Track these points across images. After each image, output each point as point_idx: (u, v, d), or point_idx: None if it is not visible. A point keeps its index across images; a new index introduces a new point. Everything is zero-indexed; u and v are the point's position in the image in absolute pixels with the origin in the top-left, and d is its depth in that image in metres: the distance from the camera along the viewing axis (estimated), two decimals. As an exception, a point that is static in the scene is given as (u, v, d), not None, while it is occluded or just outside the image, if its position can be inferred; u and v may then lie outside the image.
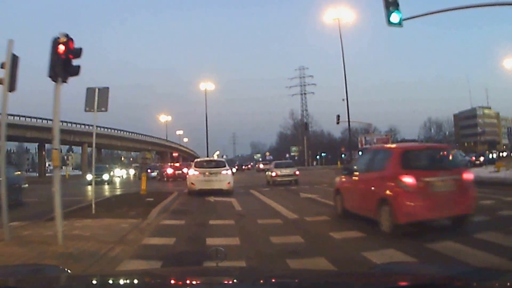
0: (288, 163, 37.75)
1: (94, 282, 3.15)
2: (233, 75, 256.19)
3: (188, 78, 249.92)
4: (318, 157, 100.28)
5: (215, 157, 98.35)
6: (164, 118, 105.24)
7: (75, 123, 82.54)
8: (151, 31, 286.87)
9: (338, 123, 62.43)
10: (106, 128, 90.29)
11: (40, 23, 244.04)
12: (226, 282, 3.15)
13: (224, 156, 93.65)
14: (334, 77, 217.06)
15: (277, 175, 33.28)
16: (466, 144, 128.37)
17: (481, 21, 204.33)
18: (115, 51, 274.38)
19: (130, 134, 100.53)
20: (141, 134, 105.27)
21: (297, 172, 34.25)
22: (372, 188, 11.16)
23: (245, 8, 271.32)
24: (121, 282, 3.24)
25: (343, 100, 48.92)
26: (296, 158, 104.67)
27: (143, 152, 27.15)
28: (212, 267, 3.62)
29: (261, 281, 3.20)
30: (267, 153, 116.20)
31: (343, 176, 13.87)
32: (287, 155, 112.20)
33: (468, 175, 10.47)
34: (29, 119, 74.63)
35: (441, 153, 11.73)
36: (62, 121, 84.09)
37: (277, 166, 34.95)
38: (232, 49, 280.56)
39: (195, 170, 23.39)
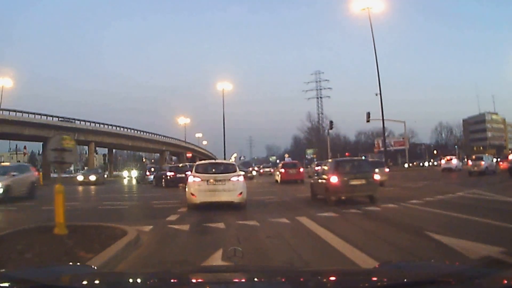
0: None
1: (124, 279, 3.01)
2: (249, 80, 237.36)
3: (207, 81, 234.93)
4: None
5: (233, 159, 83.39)
6: (183, 120, 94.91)
7: (79, 119, 66.05)
8: (173, 33, 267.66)
9: (368, 121, 56.63)
10: (114, 126, 73.88)
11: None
12: (243, 281, 2.90)
13: (242, 158, 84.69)
14: (350, 80, 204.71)
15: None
16: (475, 148, 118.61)
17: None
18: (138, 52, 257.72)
19: (142, 133, 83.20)
20: (154, 134, 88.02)
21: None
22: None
23: (261, 11, 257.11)
24: (148, 279, 2.99)
25: (376, 94, 46.75)
26: (314, 160, 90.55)
27: (56, 136, 10.13)
28: (230, 266, 3.68)
29: (274, 280, 2.95)
30: (287, 155, 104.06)
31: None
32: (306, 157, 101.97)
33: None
34: (27, 114, 58.66)
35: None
36: (64, 117, 64.91)
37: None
38: (249, 53, 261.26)
39: (196, 177, 15.28)
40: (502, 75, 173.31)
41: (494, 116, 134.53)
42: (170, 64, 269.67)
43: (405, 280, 2.56)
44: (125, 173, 59.94)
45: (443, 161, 49.00)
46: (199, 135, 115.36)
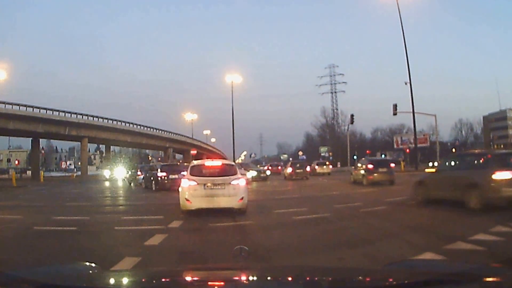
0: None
1: (129, 278, 2.97)
2: (259, 76, 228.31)
3: (216, 77, 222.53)
4: (355, 157, 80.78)
5: (242, 157, 75.41)
6: (190, 116, 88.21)
7: (70, 112, 58.61)
8: (179, 26, 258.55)
9: (395, 114, 51.01)
10: (110, 119, 66.36)
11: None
12: (249, 280, 2.91)
13: (253, 155, 78.50)
14: (365, 76, 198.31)
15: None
16: (496, 146, 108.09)
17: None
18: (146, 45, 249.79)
19: (142, 128, 75.35)
20: (157, 129, 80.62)
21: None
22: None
23: (271, 3, 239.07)
24: (147, 279, 2.96)
25: (405, 83, 44.65)
26: (331, 158, 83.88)
27: None
28: (236, 265, 3.45)
29: (281, 279, 2.96)
30: (300, 152, 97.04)
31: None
32: (321, 155, 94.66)
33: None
34: (11, 106, 51.57)
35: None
36: (54, 109, 55.78)
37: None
38: (259, 47, 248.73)
39: (192, 180, 13.58)
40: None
41: None
42: (176, 60, 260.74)
43: (414, 279, 2.50)
44: (106, 173, 48.74)
45: None
46: (207, 132, 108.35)
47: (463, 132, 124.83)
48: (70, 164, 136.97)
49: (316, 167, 49.36)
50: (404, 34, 41.48)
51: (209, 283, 2.76)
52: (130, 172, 40.95)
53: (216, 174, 13.97)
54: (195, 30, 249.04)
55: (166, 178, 26.90)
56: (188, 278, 2.99)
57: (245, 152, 77.12)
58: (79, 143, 68.43)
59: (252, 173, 36.07)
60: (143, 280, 2.94)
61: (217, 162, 15.47)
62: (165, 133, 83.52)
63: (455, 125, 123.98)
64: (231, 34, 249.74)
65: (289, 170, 39.90)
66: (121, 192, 29.19)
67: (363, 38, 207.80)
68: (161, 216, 13.26)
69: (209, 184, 13.45)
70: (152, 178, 28.35)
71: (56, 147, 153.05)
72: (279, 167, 58.11)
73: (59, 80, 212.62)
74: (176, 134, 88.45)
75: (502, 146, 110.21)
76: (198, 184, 13.46)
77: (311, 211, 13.72)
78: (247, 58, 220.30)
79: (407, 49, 40.19)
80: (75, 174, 73.34)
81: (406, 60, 40.48)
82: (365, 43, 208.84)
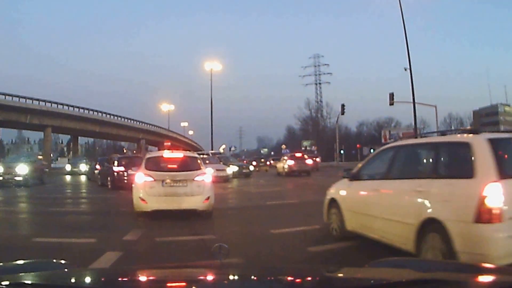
0: None
1: (97, 277, 2.85)
2: (240, 68, 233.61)
3: (195, 69, 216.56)
4: (342, 151, 79.05)
5: (220, 150, 71.84)
6: (166, 107, 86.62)
7: (32, 98, 54.19)
8: (157, 14, 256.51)
9: (392, 104, 46.69)
10: (77, 107, 62.09)
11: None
12: (230, 278, 2.86)
13: (233, 148, 75.53)
14: (350, 66, 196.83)
15: None
16: None
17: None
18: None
19: (112, 117, 71.30)
20: (129, 119, 76.65)
21: None
22: None
23: None
24: (124, 277, 2.88)
25: (405, 69, 39.34)
26: (316, 152, 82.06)
27: None
28: (215, 263, 3.09)
29: (262, 279, 2.89)
30: (284, 146, 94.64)
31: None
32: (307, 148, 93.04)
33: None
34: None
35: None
36: (13, 95, 49.58)
37: None
38: (240, 37, 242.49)
39: (147, 175, 11.74)
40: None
41: (507, 108, 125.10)
42: (154, 49, 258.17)
43: (401, 279, 2.52)
44: (67, 167, 44.24)
45: None
46: (184, 124, 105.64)
47: (453, 126, 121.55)
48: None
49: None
50: (404, 19, 38.36)
51: (187, 281, 2.68)
52: (90, 166, 36.05)
53: (177, 169, 12.46)
54: (172, 17, 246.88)
55: (123, 173, 21.86)
56: (163, 277, 2.91)
57: (224, 146, 75.12)
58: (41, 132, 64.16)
59: (232, 169, 32.69)
60: (118, 278, 2.84)
61: (178, 154, 13.56)
62: (138, 123, 79.99)
63: (444, 119, 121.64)
64: (211, 22, 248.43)
65: (290, 162, 36.24)
66: (68, 191, 25.35)
67: (351, 29, 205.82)
68: (93, 240, 8.67)
69: (168, 181, 11.80)
70: (107, 173, 23.97)
71: (28, 138, 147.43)
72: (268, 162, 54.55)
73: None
74: (150, 124, 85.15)
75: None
76: (155, 180, 11.77)
77: (313, 222, 10.25)
78: (228, 48, 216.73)
79: (406, 33, 37.26)
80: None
81: (406, 45, 37.32)
82: (353, 34, 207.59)
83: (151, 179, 11.71)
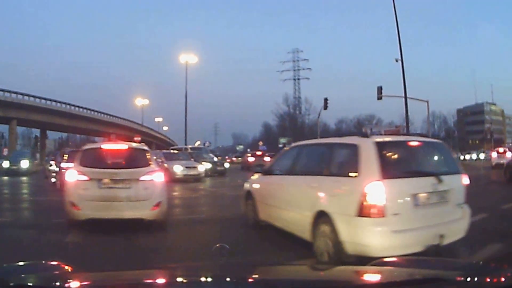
0: None
1: (99, 280, 2.92)
2: (216, 63, 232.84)
3: (170, 63, 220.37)
4: None
5: (195, 145, 68.62)
6: (140, 101, 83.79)
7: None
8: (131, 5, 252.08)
9: (380, 98, 44.71)
10: (44, 99, 59.04)
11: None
12: (232, 278, 2.92)
13: (207, 144, 72.92)
14: (331, 63, 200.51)
15: None
16: (470, 141, 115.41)
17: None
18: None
19: (82, 110, 68.66)
20: (99, 112, 74.14)
21: None
22: None
23: None
24: (126, 280, 2.96)
25: (396, 60, 37.40)
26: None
27: None
28: (217, 264, 3.42)
29: (264, 278, 2.98)
30: (260, 143, 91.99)
31: None
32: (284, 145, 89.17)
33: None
34: None
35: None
36: None
37: None
38: (216, 31, 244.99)
39: (81, 173, 9.35)
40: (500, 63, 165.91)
41: (493, 107, 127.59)
42: (128, 42, 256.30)
43: (404, 278, 2.59)
44: (4, 164, 37.51)
45: (494, 154, 39.15)
46: (159, 119, 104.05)
47: (435, 125, 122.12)
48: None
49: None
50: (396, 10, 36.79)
51: (187, 281, 2.79)
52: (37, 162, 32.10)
53: (119, 165, 9.87)
54: (148, 10, 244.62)
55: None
56: (164, 278, 2.96)
57: (198, 142, 73.78)
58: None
59: (205, 166, 29.10)
60: (120, 280, 2.89)
61: (121, 146, 10.77)
62: (109, 117, 77.53)
63: (427, 117, 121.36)
64: (188, 16, 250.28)
65: (251, 159, 38.45)
66: (6, 191, 21.60)
67: (332, 25, 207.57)
68: None
69: (106, 181, 9.28)
70: (56, 171, 21.26)
71: (3, 134, 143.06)
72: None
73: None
74: (121, 118, 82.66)
75: (477, 142, 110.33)
76: (89, 179, 9.28)
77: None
78: (204, 43, 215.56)
79: (398, 24, 35.83)
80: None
81: (397, 36, 36.19)
82: (334, 30, 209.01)
83: (85, 178, 9.30)
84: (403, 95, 36.99)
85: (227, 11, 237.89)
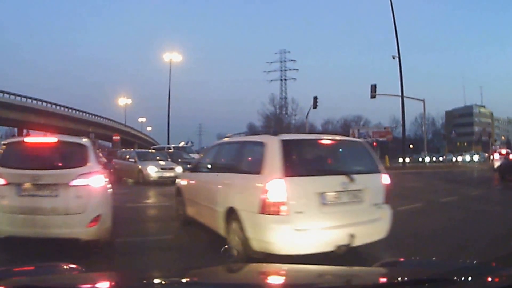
0: None
1: (108, 281, 2.85)
2: (201, 63, 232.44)
3: (154, 62, 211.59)
4: None
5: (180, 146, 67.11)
6: (123, 101, 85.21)
7: None
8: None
9: (374, 96, 45.65)
10: (19, 96, 57.58)
11: None
12: (240, 280, 3.02)
13: (189, 143, 70.99)
14: (317, 62, 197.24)
15: None
16: (458, 143, 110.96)
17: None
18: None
19: (59, 108, 66.82)
20: (77, 110, 72.37)
21: None
22: None
23: None
24: (135, 281, 2.98)
25: (393, 58, 41.11)
26: None
27: None
28: (223, 266, 3.42)
29: (272, 279, 3.05)
30: None
31: None
32: None
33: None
34: None
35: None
36: None
37: None
38: (201, 29, 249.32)
39: None
40: (490, 65, 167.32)
41: (482, 109, 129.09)
42: (112, 39, 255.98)
43: (408, 278, 2.63)
44: None
45: (496, 156, 37.76)
46: (142, 119, 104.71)
47: (423, 127, 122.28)
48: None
49: None
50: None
51: (198, 283, 2.79)
52: None
53: (46, 165, 7.32)
54: (129, 8, 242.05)
55: None
56: (173, 280, 2.96)
57: (182, 143, 72.69)
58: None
59: (184, 167, 27.08)
60: (129, 281, 2.89)
61: (49, 139, 7.95)
62: (88, 115, 75.79)
63: (415, 119, 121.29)
64: (173, 14, 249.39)
65: None
66: None
67: (320, 26, 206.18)
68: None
69: (27, 186, 6.91)
70: None
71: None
72: None
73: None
74: (101, 117, 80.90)
75: (465, 144, 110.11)
76: (7, 183, 6.92)
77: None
78: (189, 43, 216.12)
79: (395, 19, 35.29)
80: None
81: (394, 31, 36.06)
82: (322, 30, 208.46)
83: (2, 181, 6.96)
84: (398, 94, 36.95)
85: (213, 10, 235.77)
